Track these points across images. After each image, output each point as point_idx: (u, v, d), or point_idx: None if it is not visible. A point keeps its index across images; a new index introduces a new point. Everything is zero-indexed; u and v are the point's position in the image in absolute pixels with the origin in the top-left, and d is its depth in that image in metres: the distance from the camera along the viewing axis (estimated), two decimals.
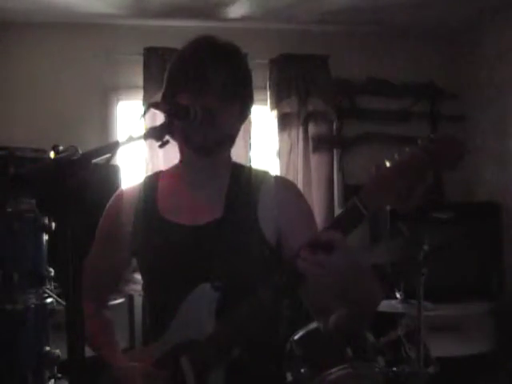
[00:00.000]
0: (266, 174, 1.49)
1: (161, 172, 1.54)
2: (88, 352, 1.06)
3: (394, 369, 2.29)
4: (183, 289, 1.31)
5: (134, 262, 1.51)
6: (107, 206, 1.49)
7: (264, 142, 4.06)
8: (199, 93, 1.30)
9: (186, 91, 1.32)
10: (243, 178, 1.44)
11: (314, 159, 4.00)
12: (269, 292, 1.19)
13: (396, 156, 1.12)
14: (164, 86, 1.41)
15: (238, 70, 1.37)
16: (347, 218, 1.13)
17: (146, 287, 1.50)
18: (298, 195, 1.49)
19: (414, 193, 1.09)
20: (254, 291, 1.20)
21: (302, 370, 2.21)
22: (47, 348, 1.65)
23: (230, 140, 1.41)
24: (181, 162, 1.47)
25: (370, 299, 1.24)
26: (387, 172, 1.11)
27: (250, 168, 1.51)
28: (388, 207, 1.13)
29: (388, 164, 1.12)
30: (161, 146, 1.17)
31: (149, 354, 1.34)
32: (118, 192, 1.51)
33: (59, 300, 1.80)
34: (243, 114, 1.43)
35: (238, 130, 1.43)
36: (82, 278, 1.46)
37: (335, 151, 4.08)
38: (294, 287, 1.18)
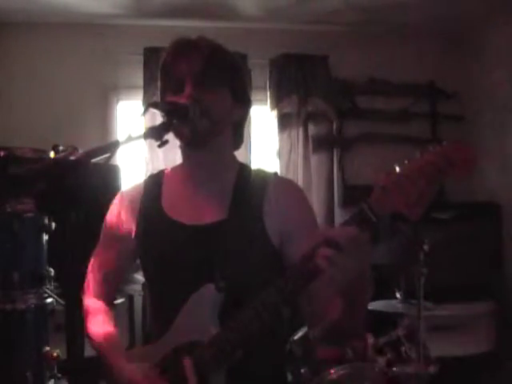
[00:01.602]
0: (271, 175, 1.48)
1: (165, 170, 1.54)
2: (88, 352, 1.06)
3: (394, 369, 2.29)
4: (187, 289, 1.31)
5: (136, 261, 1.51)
6: (112, 204, 1.50)
7: (264, 142, 4.06)
8: (179, 88, 1.32)
9: (169, 90, 1.36)
10: (249, 179, 1.44)
11: (314, 159, 4.00)
12: (272, 295, 1.18)
13: (406, 161, 1.08)
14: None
15: (210, 58, 1.36)
16: (354, 224, 1.12)
17: (148, 287, 1.50)
18: (302, 198, 1.48)
19: (424, 199, 1.08)
20: (258, 293, 1.20)
21: (302, 370, 2.21)
22: (47, 348, 1.65)
23: (219, 126, 1.38)
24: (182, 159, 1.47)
25: (367, 295, 1.23)
26: (397, 178, 1.08)
27: (256, 169, 1.50)
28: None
29: (398, 169, 1.09)
30: (160, 146, 1.17)
31: (150, 354, 1.34)
32: (122, 191, 1.52)
33: (59, 300, 1.80)
34: (235, 100, 1.41)
35: (227, 116, 1.40)
36: (89, 275, 1.47)
37: (335, 151, 4.08)
38: (298, 292, 1.17)
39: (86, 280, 1.51)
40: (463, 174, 1.07)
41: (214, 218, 1.38)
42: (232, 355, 1.23)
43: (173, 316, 1.33)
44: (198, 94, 1.31)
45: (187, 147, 1.40)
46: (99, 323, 1.45)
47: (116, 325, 1.50)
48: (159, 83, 1.42)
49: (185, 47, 1.37)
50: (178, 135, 1.35)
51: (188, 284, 1.31)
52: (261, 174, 1.48)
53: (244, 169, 1.47)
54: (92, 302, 1.48)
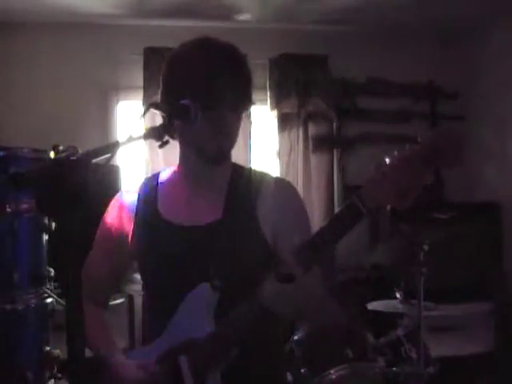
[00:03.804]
0: (265, 175, 1.49)
1: (160, 173, 1.55)
2: (88, 352, 1.06)
3: (394, 369, 2.29)
4: (183, 288, 1.32)
5: (135, 262, 1.51)
6: (108, 208, 1.50)
7: (264, 142, 4.06)
8: (214, 104, 1.31)
9: (197, 101, 1.23)
10: (243, 179, 1.45)
11: (314, 159, 4.00)
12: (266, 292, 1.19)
13: (395, 153, 1.11)
14: (165, 88, 1.39)
15: (248, 79, 1.39)
16: (346, 216, 1.13)
17: (145, 287, 1.51)
18: (295, 197, 1.49)
19: (414, 190, 1.09)
20: (253, 291, 1.20)
21: (302, 370, 2.21)
22: (47, 348, 1.65)
23: (234, 145, 1.43)
24: (180, 163, 1.47)
25: (329, 320, 1.26)
26: (387, 170, 1.10)
27: (249, 169, 1.52)
28: (388, 207, 1.12)
29: (388, 161, 1.11)
30: (160, 146, 1.17)
31: (147, 354, 1.35)
32: (118, 195, 1.52)
33: (59, 300, 1.79)
34: (243, 119, 1.43)
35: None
36: (83, 279, 1.47)
37: (335, 151, 4.08)
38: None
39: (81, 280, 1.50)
40: (451, 162, 1.08)
41: (209, 219, 1.39)
42: (227, 353, 1.24)
43: (169, 316, 1.34)
44: (228, 113, 1.33)
45: (205, 162, 1.40)
46: (96, 327, 1.45)
47: (116, 325, 1.51)
48: (167, 80, 1.38)
49: (222, 59, 1.34)
50: (197, 150, 1.36)
51: (184, 284, 1.32)
52: (255, 173, 1.49)
53: (237, 169, 1.49)
54: (88, 304, 1.48)
